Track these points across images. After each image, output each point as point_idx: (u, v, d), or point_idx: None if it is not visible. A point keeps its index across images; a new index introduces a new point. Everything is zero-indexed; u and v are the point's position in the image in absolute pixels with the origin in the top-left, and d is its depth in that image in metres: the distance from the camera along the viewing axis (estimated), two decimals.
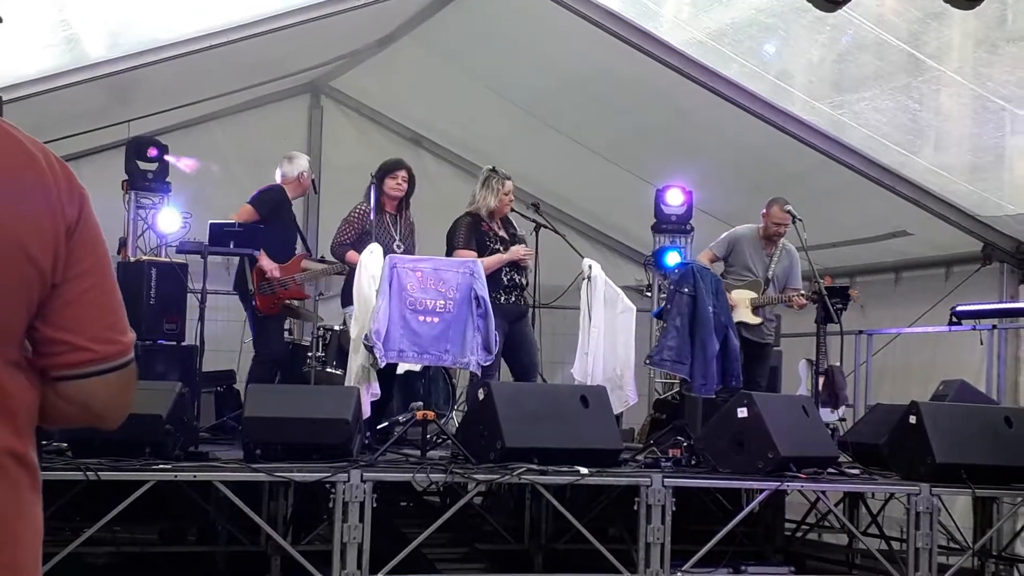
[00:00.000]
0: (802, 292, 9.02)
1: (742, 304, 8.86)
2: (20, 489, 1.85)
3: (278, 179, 8.97)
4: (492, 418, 6.80)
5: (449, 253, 8.25)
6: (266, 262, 8.53)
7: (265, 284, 8.56)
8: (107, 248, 1.94)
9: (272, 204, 8.75)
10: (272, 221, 8.70)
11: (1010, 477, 7.59)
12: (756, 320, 8.98)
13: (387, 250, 7.99)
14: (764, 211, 9.09)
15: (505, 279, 8.26)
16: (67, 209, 1.84)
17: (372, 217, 8.30)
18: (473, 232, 8.31)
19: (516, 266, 8.35)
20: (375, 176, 8.44)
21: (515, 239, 8.49)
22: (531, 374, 8.40)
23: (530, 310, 8.57)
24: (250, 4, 8.51)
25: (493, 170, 8.45)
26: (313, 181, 9.43)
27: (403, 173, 8.57)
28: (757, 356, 8.94)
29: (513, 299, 8.31)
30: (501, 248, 8.32)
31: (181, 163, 10.25)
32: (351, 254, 8.22)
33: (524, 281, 8.44)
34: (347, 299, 8.39)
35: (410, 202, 8.75)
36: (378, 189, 8.42)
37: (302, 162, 9.05)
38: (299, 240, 9.14)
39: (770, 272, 9.10)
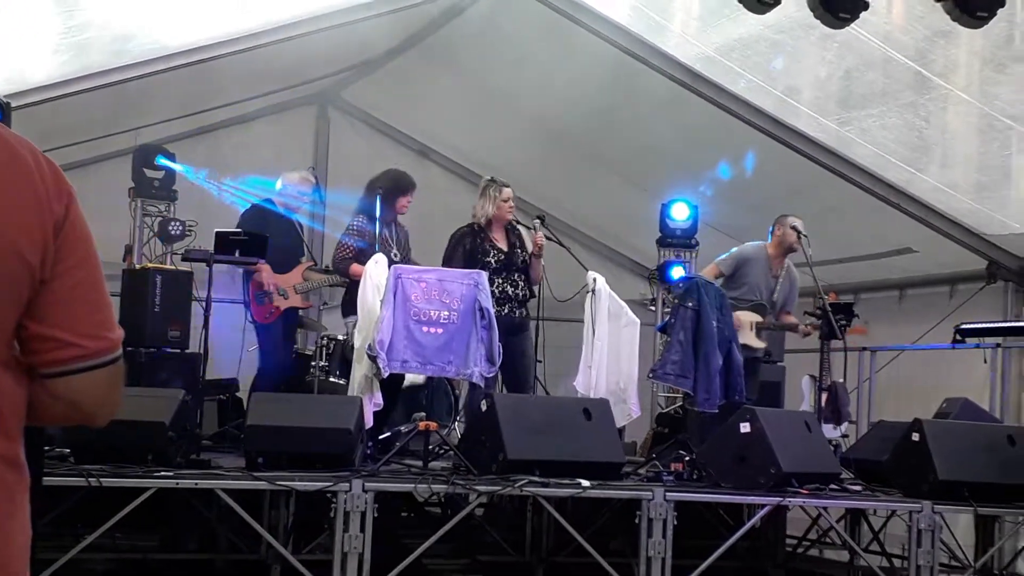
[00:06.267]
0: (808, 322, 8.91)
1: (747, 326, 8.79)
2: (9, 490, 1.85)
3: None
4: (494, 429, 6.80)
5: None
6: (264, 273, 8.53)
7: (261, 293, 8.57)
8: (95, 245, 1.94)
9: (249, 227, 8.64)
10: None
11: (1012, 495, 7.57)
12: (761, 344, 8.95)
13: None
14: (778, 226, 9.00)
15: (497, 291, 8.17)
16: (55, 206, 1.85)
17: (375, 229, 8.22)
18: (460, 245, 8.31)
19: (509, 277, 8.32)
20: (384, 189, 8.35)
21: (517, 250, 8.42)
22: (522, 392, 8.30)
23: (529, 325, 8.45)
24: (259, 14, 8.53)
25: (491, 179, 8.50)
26: (317, 181, 9.49)
27: (414, 191, 8.55)
28: (749, 371, 8.87)
29: (506, 311, 8.22)
30: (494, 262, 8.28)
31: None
32: (355, 267, 8.13)
33: (520, 294, 8.38)
34: (348, 309, 8.37)
35: None
36: (386, 203, 8.35)
37: (287, 176, 9.13)
38: (305, 249, 9.17)
39: (775, 296, 9.03)
